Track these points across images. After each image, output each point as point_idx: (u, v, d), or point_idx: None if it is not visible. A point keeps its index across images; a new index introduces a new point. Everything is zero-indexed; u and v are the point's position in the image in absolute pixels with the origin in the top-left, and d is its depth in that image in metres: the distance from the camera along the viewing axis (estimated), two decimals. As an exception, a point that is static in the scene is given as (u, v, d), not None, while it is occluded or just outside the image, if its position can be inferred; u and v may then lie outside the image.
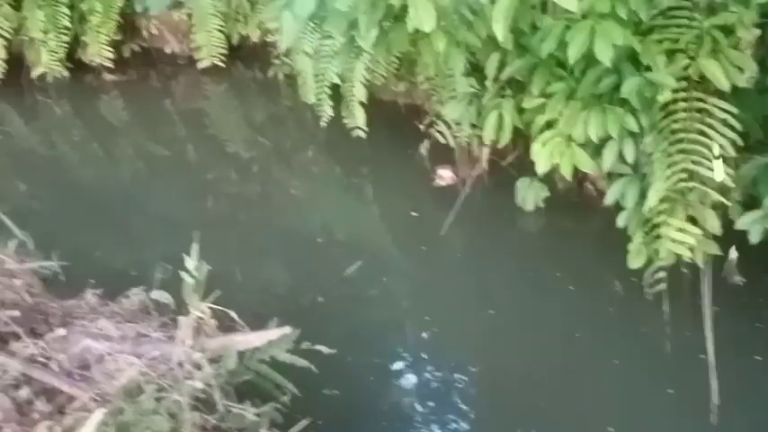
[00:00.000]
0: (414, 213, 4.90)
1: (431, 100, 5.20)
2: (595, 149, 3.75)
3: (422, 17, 3.14)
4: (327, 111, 5.48)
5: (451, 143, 4.93)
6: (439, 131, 4.97)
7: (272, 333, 3.17)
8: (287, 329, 3.22)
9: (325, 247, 4.79)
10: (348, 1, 3.11)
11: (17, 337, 2.95)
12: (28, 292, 3.25)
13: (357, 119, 5.32)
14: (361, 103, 5.27)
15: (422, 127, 5.25)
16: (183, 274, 3.17)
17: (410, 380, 3.75)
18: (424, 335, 4.01)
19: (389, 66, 5.21)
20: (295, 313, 3.59)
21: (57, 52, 6.68)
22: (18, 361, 2.79)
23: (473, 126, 4.45)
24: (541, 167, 3.89)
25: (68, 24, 6.62)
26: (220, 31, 6.45)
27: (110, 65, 6.85)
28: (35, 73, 6.82)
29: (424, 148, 5.19)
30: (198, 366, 2.91)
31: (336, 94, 5.44)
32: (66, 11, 6.57)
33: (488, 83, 4.12)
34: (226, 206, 5.36)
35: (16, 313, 3.07)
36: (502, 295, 4.20)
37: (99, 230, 4.89)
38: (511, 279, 4.30)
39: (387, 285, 4.37)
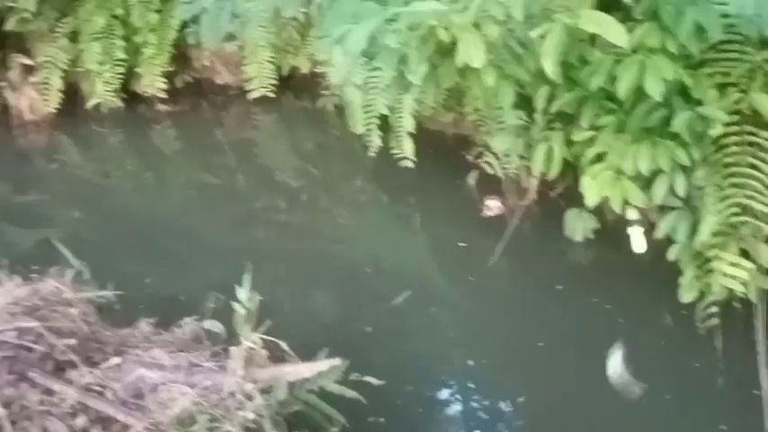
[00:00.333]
0: (461, 243, 4.91)
1: (479, 131, 5.22)
2: (646, 182, 3.74)
3: (471, 53, 3.17)
4: (376, 141, 5.52)
5: (499, 174, 4.95)
6: (487, 162, 4.99)
7: (322, 364, 3.20)
8: (336, 361, 3.26)
9: (373, 276, 4.81)
10: (398, 38, 3.15)
11: (74, 365, 3.02)
12: (84, 321, 3.32)
13: (405, 149, 5.36)
14: (410, 134, 5.31)
15: (469, 157, 5.27)
16: (235, 305, 3.23)
17: (458, 411, 3.75)
18: (472, 366, 4.01)
19: (438, 97, 5.23)
20: (343, 343, 3.61)
21: (112, 83, 6.84)
22: (75, 389, 2.86)
23: (521, 157, 4.46)
24: (591, 200, 3.88)
25: (123, 56, 6.78)
26: (271, 62, 6.53)
27: (163, 95, 6.99)
28: (90, 103, 6.98)
29: (471, 178, 5.21)
30: (249, 397, 2.95)
31: (385, 124, 5.48)
32: (122, 43, 6.73)
33: (537, 115, 4.13)
34: (274, 235, 5.42)
35: (73, 342, 3.14)
36: (550, 327, 4.17)
37: (151, 259, 4.96)
38: (560, 311, 4.28)
39: (434, 316, 4.38)
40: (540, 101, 4.00)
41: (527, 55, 3.58)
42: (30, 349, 3.00)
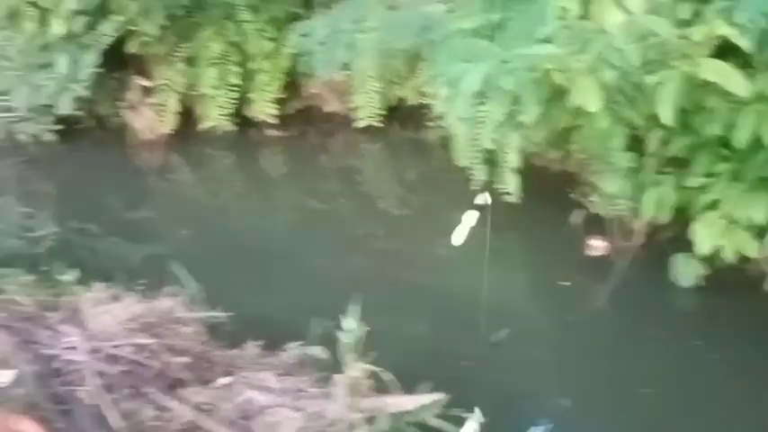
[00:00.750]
0: (563, 282, 4.87)
1: (585, 169, 5.19)
2: (760, 230, 3.66)
3: (587, 97, 3.18)
4: (480, 175, 5.53)
5: (605, 214, 4.90)
6: (593, 201, 4.96)
7: (425, 398, 3.25)
8: (438, 395, 3.29)
9: (473, 310, 4.80)
10: (513, 79, 3.19)
11: (186, 383, 3.14)
12: (196, 340, 3.45)
13: (509, 184, 5.35)
14: (515, 169, 5.30)
15: (574, 195, 5.24)
16: (341, 333, 3.29)
17: (556, 452, 3.72)
18: (573, 408, 3.96)
19: (547, 136, 5.23)
20: (442, 376, 3.64)
21: (225, 107, 7.05)
22: (188, 407, 2.97)
23: (630, 199, 4.42)
24: (704, 248, 3.82)
25: (237, 82, 6.99)
26: (379, 92, 6.63)
27: (273, 121, 7.16)
28: (204, 126, 7.21)
29: (576, 216, 5.18)
30: (353, 426, 3.01)
31: (490, 158, 5.49)
32: (237, 69, 6.95)
33: (649, 158, 4.09)
34: (374, 263, 5.47)
35: (186, 360, 3.27)
36: (654, 373, 4.09)
37: (256, 280, 5.07)
38: (664, 357, 4.20)
39: (534, 354, 4.36)
40: (652, 144, 3.97)
41: (641, 99, 3.57)
42: (145, 365, 3.14)
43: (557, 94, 3.42)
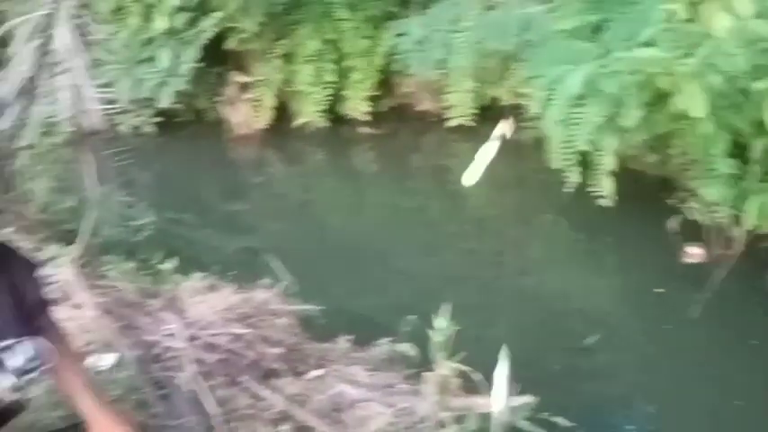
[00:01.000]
0: (657, 289, 4.77)
1: (684, 174, 5.06)
2: None
3: (692, 102, 3.12)
4: (574, 177, 5.45)
5: (704, 221, 4.78)
6: (690, 207, 4.83)
7: (515, 399, 3.22)
8: (528, 397, 3.27)
9: (563, 314, 4.76)
10: (616, 82, 3.14)
11: (280, 374, 3.20)
12: (289, 333, 3.51)
13: (604, 187, 5.26)
14: (610, 172, 5.22)
15: (671, 201, 5.11)
16: (432, 332, 3.29)
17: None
18: (664, 416, 3.88)
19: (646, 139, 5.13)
20: (530, 379, 3.60)
21: (320, 104, 7.15)
22: (281, 397, 3.02)
23: (731, 207, 4.30)
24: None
25: (332, 79, 7.08)
26: (472, 91, 6.60)
27: (366, 118, 7.22)
28: (298, 122, 7.32)
29: (672, 222, 5.05)
30: (442, 424, 3.02)
31: (584, 160, 5.42)
32: (332, 67, 7.04)
33: (754, 166, 3.97)
34: (463, 262, 5.47)
35: (279, 351, 3.33)
36: (747, 386, 3.97)
37: (345, 276, 5.12)
38: (759, 370, 4.07)
39: (625, 360, 4.28)
40: (757, 152, 3.86)
41: (748, 105, 3.47)
42: (241, 355, 3.21)
43: (659, 98, 3.35)
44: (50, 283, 2.26)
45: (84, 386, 1.96)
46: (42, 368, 1.42)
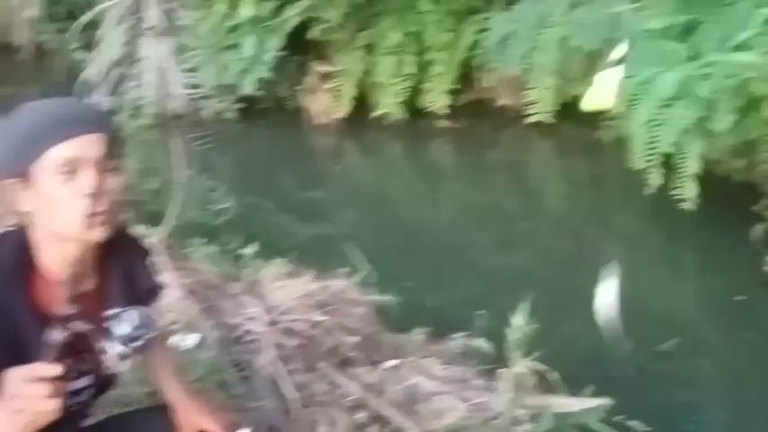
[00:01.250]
0: (739, 297, 4.67)
1: (770, 181, 4.96)
2: None
3: (787, 108, 3.04)
4: (655, 179, 5.36)
5: (789, 230, 4.67)
6: (776, 215, 4.73)
7: (590, 401, 3.21)
8: (604, 400, 3.25)
9: (639, 317, 4.65)
10: (709, 86, 3.08)
11: (357, 362, 3.24)
12: (366, 322, 3.54)
13: (686, 191, 5.16)
14: (694, 176, 5.12)
15: (756, 208, 5.00)
16: (509, 329, 3.30)
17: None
18: (742, 425, 3.81)
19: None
20: (605, 381, 3.58)
21: (399, 96, 7.15)
22: (358, 385, 3.06)
23: (821, 216, 4.19)
24: None
25: (413, 72, 7.08)
26: (554, 88, 6.53)
27: (444, 112, 7.20)
28: (377, 113, 7.35)
29: (757, 230, 4.94)
30: (517, 421, 3.02)
31: (667, 162, 5.33)
32: (413, 59, 7.03)
33: None
34: (536, 259, 5.44)
35: (356, 340, 3.37)
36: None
37: (419, 268, 5.12)
38: None
39: (704, 367, 4.21)
40: None
41: None
42: (319, 341, 3.26)
43: (752, 103, 3.27)
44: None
45: (174, 371, 2.02)
46: (148, 336, 1.47)
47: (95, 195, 1.54)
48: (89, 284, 1.69)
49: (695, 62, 3.15)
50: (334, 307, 3.48)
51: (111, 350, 1.45)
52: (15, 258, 1.59)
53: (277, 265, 3.84)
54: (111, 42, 7.68)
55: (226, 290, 3.57)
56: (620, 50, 2.94)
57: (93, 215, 1.55)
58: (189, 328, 3.20)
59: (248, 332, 3.24)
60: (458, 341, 3.67)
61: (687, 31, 4.48)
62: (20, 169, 1.54)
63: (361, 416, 2.93)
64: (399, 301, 4.01)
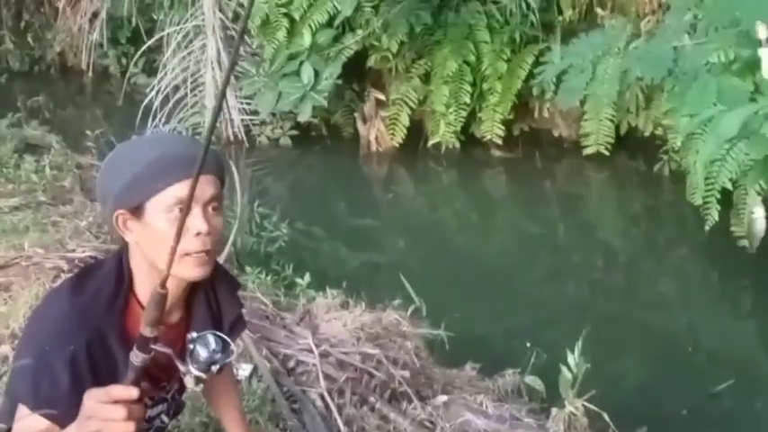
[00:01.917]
0: (796, 339, 4.58)
1: (832, 220, 4.84)
2: None
3: None
4: (714, 215, 5.27)
5: None
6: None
7: (641, 442, 3.16)
8: (656, 441, 3.19)
9: (693, 355, 4.61)
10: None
11: (407, 397, 3.22)
12: (417, 356, 3.53)
13: (746, 228, 5.08)
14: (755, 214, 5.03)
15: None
16: (563, 368, 3.25)
17: None
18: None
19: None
20: (656, 422, 3.52)
21: (454, 125, 7.15)
22: (407, 421, 3.05)
23: None
24: None
25: (468, 101, 7.08)
26: (611, 120, 6.47)
27: (499, 141, 7.18)
28: (431, 142, 7.36)
29: (818, 271, 4.83)
30: (568, 463, 2.98)
31: (726, 199, 5.24)
32: (469, 89, 7.04)
33: None
34: (588, 292, 5.40)
35: (407, 374, 3.35)
36: None
37: (470, 299, 5.07)
38: None
39: (759, 410, 4.11)
40: None
41: None
42: (371, 375, 3.25)
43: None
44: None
45: (238, 403, 2.04)
46: (225, 361, 1.49)
47: (203, 235, 1.58)
48: (176, 316, 1.74)
49: (759, 102, 3.09)
50: (385, 340, 3.48)
51: (189, 373, 1.48)
52: (115, 285, 1.63)
53: (329, 296, 3.85)
54: (172, 67, 7.83)
55: (279, 320, 3.59)
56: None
57: (199, 254, 1.58)
58: (242, 357, 3.22)
59: (300, 363, 3.26)
60: (509, 377, 3.63)
61: (750, 67, 4.41)
62: (134, 203, 1.57)
63: (410, 452, 2.91)
64: (449, 334, 3.98)
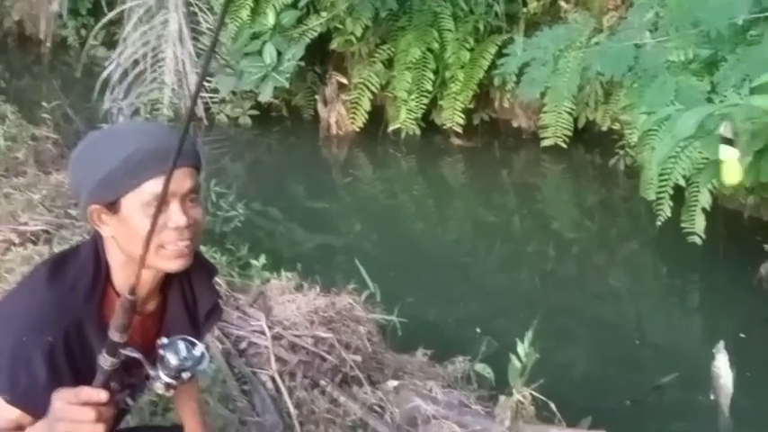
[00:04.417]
0: (742, 334, 4.66)
1: (781, 220, 4.95)
2: None
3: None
4: (666, 210, 5.37)
5: (798, 270, 4.66)
6: (785, 255, 4.72)
7: (588, 434, 3.21)
8: (601, 432, 3.24)
9: (639, 347, 4.70)
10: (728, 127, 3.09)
11: (359, 381, 3.24)
12: (369, 340, 3.54)
13: (696, 225, 5.17)
14: (704, 210, 5.13)
15: (766, 246, 5.00)
16: (512, 357, 3.29)
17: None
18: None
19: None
20: (600, 412, 3.57)
21: (415, 112, 7.15)
22: (358, 405, 3.07)
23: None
24: None
25: (430, 88, 7.09)
26: (569, 113, 6.55)
27: (459, 130, 7.20)
28: (391, 127, 7.35)
29: (763, 268, 4.94)
30: (515, 451, 3.02)
31: (678, 194, 5.33)
32: (431, 76, 7.05)
33: None
34: (543, 284, 5.45)
35: (358, 358, 3.37)
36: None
37: (422, 286, 5.09)
38: None
39: (702, 404, 4.18)
40: None
41: None
42: (323, 358, 3.27)
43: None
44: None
45: (197, 407, 2.04)
46: (195, 370, 1.48)
47: (181, 228, 1.55)
48: (152, 305, 1.72)
49: (715, 103, 3.15)
50: (338, 324, 3.49)
51: (158, 380, 1.47)
52: (93, 275, 1.61)
53: (284, 278, 3.85)
54: (132, 42, 7.71)
55: (232, 301, 3.58)
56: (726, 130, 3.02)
57: (178, 246, 1.56)
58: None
59: (252, 345, 3.26)
60: (459, 364, 3.67)
61: (708, 67, 4.49)
62: (109, 198, 1.54)
63: (360, 436, 2.94)
64: (402, 320, 4.00)
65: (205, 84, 7.49)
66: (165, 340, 1.49)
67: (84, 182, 1.57)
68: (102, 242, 1.63)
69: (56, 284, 1.57)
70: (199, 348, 1.51)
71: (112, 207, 1.55)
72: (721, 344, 3.41)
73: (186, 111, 7.59)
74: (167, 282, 1.73)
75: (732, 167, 3.04)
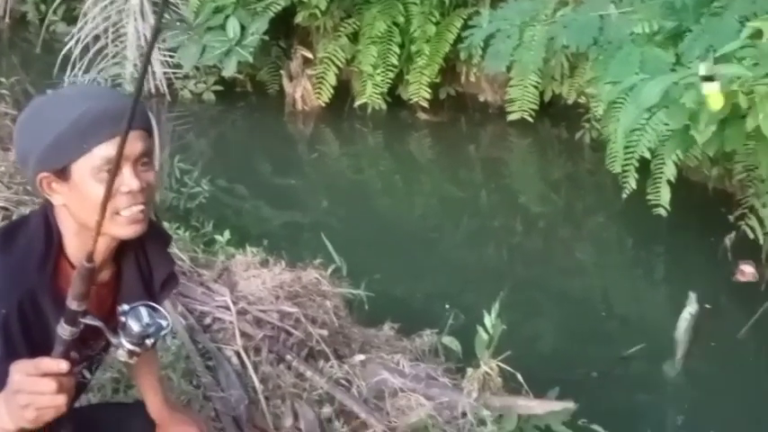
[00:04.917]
0: (706, 305, 4.70)
1: (745, 191, 4.99)
2: None
3: (766, 124, 3.05)
4: (631, 183, 5.38)
5: (761, 240, 4.70)
6: (748, 225, 4.75)
7: (556, 404, 3.22)
8: (569, 403, 3.25)
9: (605, 319, 4.73)
10: (693, 96, 3.09)
11: (325, 355, 3.22)
12: (335, 315, 3.53)
13: (661, 197, 5.20)
14: (669, 182, 5.15)
15: (730, 217, 5.04)
16: (479, 329, 3.29)
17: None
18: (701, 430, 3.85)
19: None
20: (568, 383, 3.59)
21: (381, 87, 7.12)
22: (324, 379, 3.05)
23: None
24: None
25: (396, 63, 7.05)
26: (535, 87, 6.55)
27: (425, 105, 7.18)
28: (357, 102, 7.32)
29: (728, 239, 4.97)
30: (482, 422, 3.02)
31: (644, 167, 5.35)
32: (397, 50, 7.00)
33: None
34: (506, 256, 5.48)
35: (325, 333, 3.35)
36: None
37: (389, 260, 5.09)
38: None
39: (667, 374, 4.23)
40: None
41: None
42: (289, 333, 3.24)
43: (734, 115, 3.28)
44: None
45: (157, 381, 2.00)
46: (158, 336, 1.45)
47: (134, 192, 1.51)
48: (107, 274, 1.68)
49: (680, 72, 3.15)
50: (304, 298, 3.46)
51: (121, 347, 1.43)
52: (45, 244, 1.56)
53: (249, 254, 3.81)
54: (93, 16, 7.57)
55: (196, 276, 3.53)
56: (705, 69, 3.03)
57: (131, 212, 1.52)
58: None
59: (217, 320, 3.22)
60: (427, 338, 3.66)
61: (673, 39, 4.49)
62: (58, 165, 1.49)
63: (326, 410, 2.92)
64: (369, 294, 3.99)
65: (168, 59, 7.39)
66: (125, 307, 1.45)
67: (31, 148, 1.52)
68: (52, 211, 1.58)
69: (6, 256, 1.53)
70: (161, 314, 1.48)
71: (62, 174, 1.50)
72: (693, 296, 3.65)
73: (140, 70, 7.46)
74: (121, 250, 1.69)
75: (715, 97, 3.03)
